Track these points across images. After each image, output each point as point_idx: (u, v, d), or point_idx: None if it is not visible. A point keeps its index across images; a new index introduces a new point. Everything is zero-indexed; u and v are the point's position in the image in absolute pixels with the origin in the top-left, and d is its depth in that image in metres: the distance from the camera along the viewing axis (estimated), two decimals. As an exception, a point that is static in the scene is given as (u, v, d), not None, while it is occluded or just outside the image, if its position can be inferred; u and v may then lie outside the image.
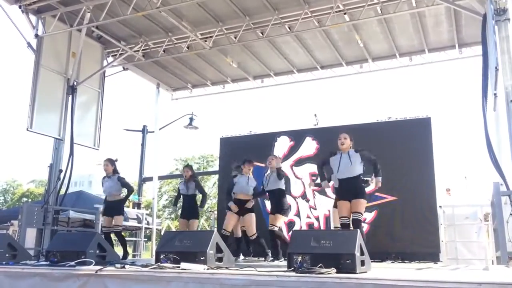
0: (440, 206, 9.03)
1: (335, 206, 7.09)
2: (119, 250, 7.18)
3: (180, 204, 8.49)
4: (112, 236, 7.90)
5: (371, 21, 9.08)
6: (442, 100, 61.42)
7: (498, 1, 6.29)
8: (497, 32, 6.12)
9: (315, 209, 9.86)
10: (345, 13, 8.64)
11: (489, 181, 6.25)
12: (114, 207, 7.72)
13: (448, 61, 10.34)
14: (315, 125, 10.78)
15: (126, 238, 12.43)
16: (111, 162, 7.90)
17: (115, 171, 7.88)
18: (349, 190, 5.99)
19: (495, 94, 6.26)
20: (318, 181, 7.17)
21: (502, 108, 6.42)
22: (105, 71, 10.58)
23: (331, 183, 6.78)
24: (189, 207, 8.15)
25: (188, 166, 8.48)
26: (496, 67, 5.77)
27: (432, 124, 9.30)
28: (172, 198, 38.51)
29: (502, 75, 6.00)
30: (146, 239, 13.05)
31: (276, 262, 7.05)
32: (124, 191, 7.87)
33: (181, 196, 8.27)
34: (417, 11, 8.66)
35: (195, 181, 8.20)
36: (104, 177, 7.95)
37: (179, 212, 8.44)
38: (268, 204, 10.46)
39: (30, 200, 42.40)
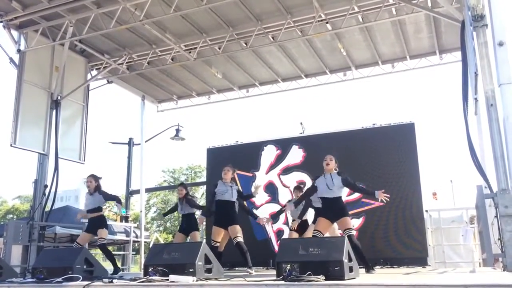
0: (427, 210, 9.12)
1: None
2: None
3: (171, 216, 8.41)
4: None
5: (353, 30, 9.21)
6: (425, 105, 62.26)
7: (476, 7, 6.41)
8: (475, 38, 6.22)
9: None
10: (327, 22, 8.76)
11: (474, 184, 6.33)
12: (95, 223, 7.46)
13: (429, 67, 10.50)
14: (301, 133, 10.85)
15: (114, 252, 12.29)
16: (94, 178, 7.58)
17: (97, 188, 7.53)
18: (331, 210, 6.16)
19: (475, 99, 6.36)
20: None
21: (483, 112, 6.53)
22: (89, 84, 10.52)
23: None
24: (187, 225, 8.12)
25: (182, 185, 8.30)
26: (475, 72, 5.87)
27: (416, 129, 9.44)
28: (161, 210, 38.29)
29: (482, 80, 6.10)
30: (134, 253, 12.91)
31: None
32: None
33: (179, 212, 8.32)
34: (398, 19, 8.82)
35: (189, 200, 8.13)
36: (87, 193, 7.64)
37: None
38: (256, 214, 10.47)
39: (15, 216, 41.73)
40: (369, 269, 5.75)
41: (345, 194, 8.81)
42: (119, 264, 8.46)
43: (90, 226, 7.51)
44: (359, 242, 5.97)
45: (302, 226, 7.77)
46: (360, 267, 4.67)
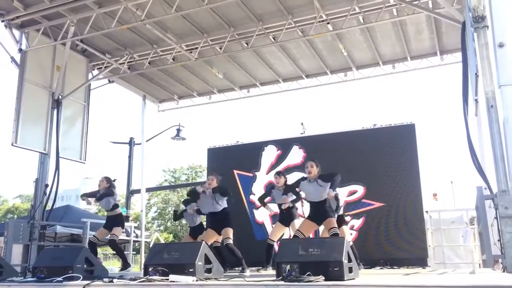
0: (427, 211, 9.13)
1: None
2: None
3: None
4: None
5: (354, 30, 9.21)
6: (426, 106, 62.29)
7: (476, 9, 6.41)
8: (476, 39, 6.22)
9: (304, 217, 9.87)
10: (328, 23, 8.76)
11: (474, 185, 6.32)
12: (112, 221, 7.82)
13: (430, 68, 10.49)
14: (301, 133, 10.86)
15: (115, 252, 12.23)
16: (107, 179, 7.90)
17: (107, 190, 7.79)
18: (317, 213, 6.23)
19: (476, 100, 6.36)
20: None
21: (483, 113, 6.52)
22: (90, 84, 10.53)
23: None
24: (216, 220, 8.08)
25: (213, 175, 7.48)
26: (476, 73, 5.86)
27: (416, 130, 9.45)
28: (161, 210, 38.29)
29: (482, 81, 6.10)
30: (134, 252, 12.89)
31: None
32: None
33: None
34: (399, 20, 8.81)
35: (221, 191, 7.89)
36: (97, 193, 7.94)
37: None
38: (256, 214, 10.48)
39: (16, 215, 41.75)
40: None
41: (345, 195, 8.85)
42: (119, 264, 8.48)
43: (107, 223, 7.90)
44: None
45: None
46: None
